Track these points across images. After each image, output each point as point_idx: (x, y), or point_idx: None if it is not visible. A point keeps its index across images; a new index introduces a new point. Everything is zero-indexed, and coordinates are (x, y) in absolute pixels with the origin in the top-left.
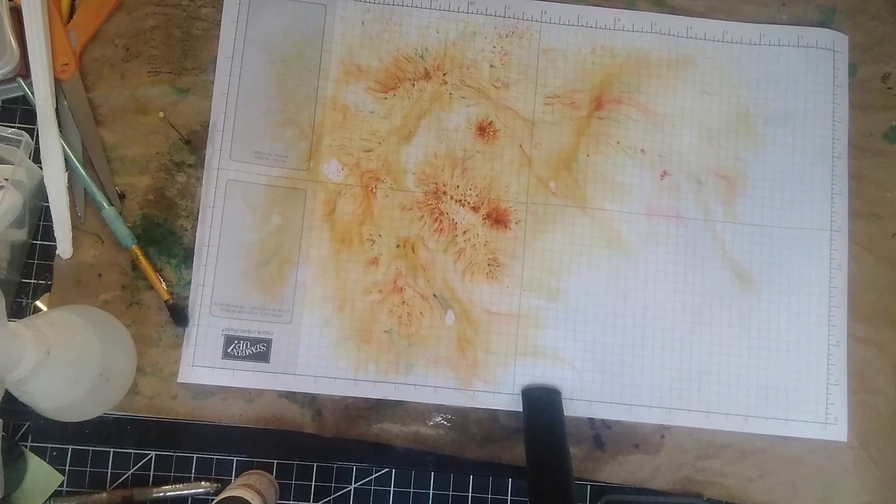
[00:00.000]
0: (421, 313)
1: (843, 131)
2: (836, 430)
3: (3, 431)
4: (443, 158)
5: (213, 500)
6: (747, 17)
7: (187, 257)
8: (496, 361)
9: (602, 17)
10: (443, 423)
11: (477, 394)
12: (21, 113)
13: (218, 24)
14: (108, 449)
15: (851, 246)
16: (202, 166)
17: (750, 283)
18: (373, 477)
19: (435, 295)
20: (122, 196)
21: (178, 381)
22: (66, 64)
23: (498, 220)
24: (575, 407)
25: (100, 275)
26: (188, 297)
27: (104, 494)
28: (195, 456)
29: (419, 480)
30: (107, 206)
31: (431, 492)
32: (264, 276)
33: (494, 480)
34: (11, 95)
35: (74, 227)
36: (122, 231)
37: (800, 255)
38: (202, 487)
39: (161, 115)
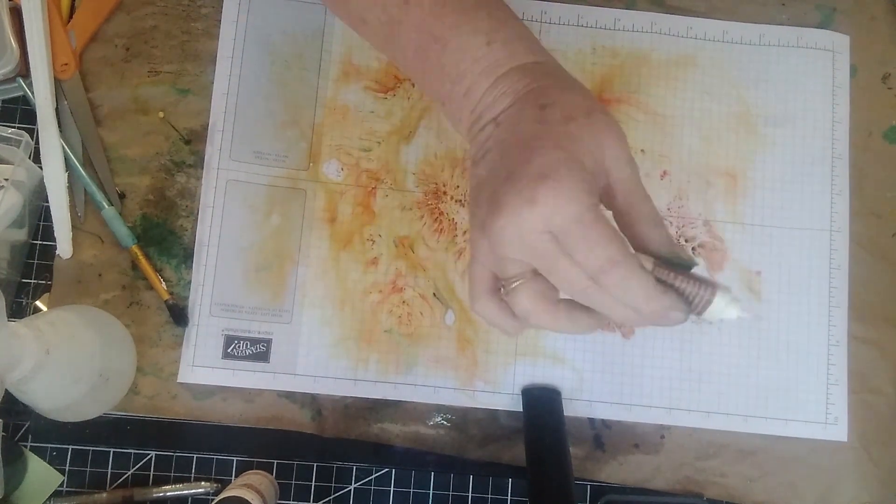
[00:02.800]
0: (421, 313)
1: (843, 131)
2: (837, 430)
3: (3, 431)
4: (443, 158)
5: (213, 500)
6: (747, 18)
7: (187, 257)
8: (496, 361)
9: (602, 17)
10: (443, 423)
11: (477, 394)
12: (21, 113)
13: (218, 24)
14: (108, 449)
15: (851, 246)
16: (202, 166)
17: (750, 284)
18: (373, 477)
19: (435, 295)
20: (122, 196)
21: (178, 381)
22: (66, 64)
23: None
24: (575, 407)
25: (100, 275)
26: (188, 297)
27: (104, 494)
28: (195, 456)
29: (419, 480)
30: (107, 206)
31: (431, 492)
32: (264, 276)
33: (494, 480)
34: (11, 95)
35: (74, 227)
36: (122, 231)
37: (800, 255)
38: (202, 487)
39: (161, 115)
